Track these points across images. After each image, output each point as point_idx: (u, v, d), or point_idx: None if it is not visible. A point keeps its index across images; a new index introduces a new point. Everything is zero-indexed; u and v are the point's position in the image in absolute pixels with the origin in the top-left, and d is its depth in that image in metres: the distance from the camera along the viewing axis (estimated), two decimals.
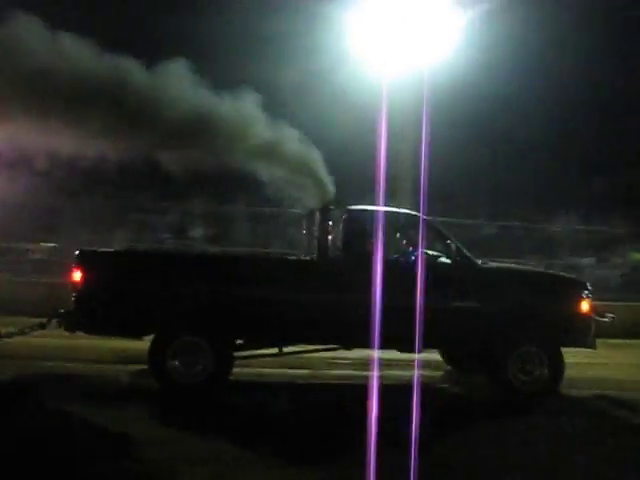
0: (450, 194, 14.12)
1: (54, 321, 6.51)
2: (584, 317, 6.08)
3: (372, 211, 6.24)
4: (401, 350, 6.16)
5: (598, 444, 4.66)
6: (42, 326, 6.61)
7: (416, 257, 6.09)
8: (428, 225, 6.19)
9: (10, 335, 6.55)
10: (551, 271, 7.73)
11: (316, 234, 6.28)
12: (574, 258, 14.47)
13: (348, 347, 6.34)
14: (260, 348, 6.09)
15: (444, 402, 6.02)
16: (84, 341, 6.79)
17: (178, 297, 5.72)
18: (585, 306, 6.12)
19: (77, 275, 5.72)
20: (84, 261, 5.81)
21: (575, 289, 6.28)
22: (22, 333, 6.64)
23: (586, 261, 14.91)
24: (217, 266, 6.23)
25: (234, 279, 5.85)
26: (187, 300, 5.72)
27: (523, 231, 14.54)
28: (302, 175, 6.41)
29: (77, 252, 5.93)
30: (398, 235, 6.49)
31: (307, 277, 6.04)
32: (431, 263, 6.00)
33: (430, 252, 6.21)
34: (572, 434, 4.97)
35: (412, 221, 6.38)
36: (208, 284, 5.78)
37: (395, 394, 4.96)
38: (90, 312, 5.72)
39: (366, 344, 5.83)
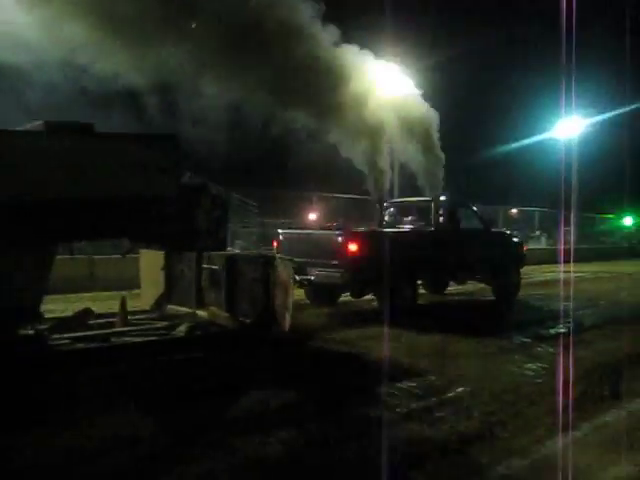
0: None
1: None
2: (525, 253, 12.49)
3: (454, 201, 11.13)
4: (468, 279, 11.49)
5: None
6: None
7: (474, 227, 11.40)
8: (476, 210, 11.53)
9: None
10: (516, 232, 13.92)
11: (432, 215, 10.77)
12: None
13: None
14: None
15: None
16: None
17: (402, 260, 9.49)
18: (525, 248, 12.54)
19: (353, 247, 8.96)
20: (358, 238, 9.06)
21: (522, 241, 12.63)
22: None
23: None
24: (412, 239, 10.18)
25: (419, 246, 10.02)
26: (405, 260, 9.60)
27: None
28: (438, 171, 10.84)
29: (346, 231, 9.11)
30: (466, 215, 11.52)
31: (427, 240, 10.55)
32: (479, 229, 11.38)
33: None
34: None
35: (468, 207, 11.59)
36: (410, 251, 9.80)
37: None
38: (368, 275, 9.11)
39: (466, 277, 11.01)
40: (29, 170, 5.41)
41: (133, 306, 8.21)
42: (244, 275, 7.68)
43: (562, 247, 18.53)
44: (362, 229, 10.59)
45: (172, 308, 8.47)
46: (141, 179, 6.05)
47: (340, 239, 9.09)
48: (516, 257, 12.12)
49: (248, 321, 7.29)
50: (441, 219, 10.79)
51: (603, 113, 28.58)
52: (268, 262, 7.40)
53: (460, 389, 5.64)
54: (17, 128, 5.76)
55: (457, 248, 10.61)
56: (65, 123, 5.82)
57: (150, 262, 8.75)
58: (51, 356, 5.68)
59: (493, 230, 12.11)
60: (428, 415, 4.88)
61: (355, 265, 9.00)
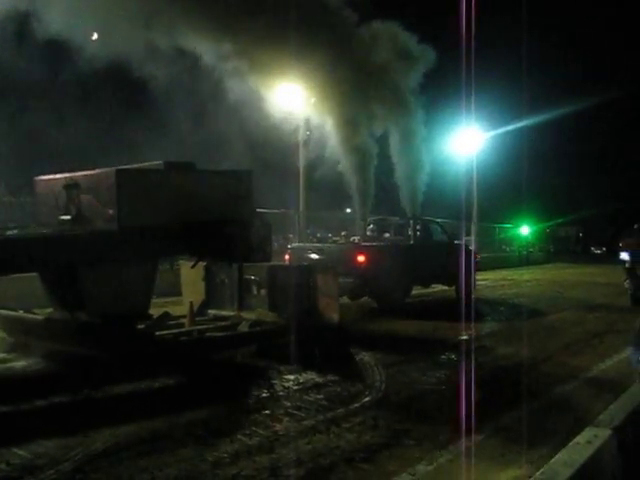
0: None
1: None
2: (479, 260, 14.97)
3: (428, 220, 13.40)
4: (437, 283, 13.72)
5: None
6: None
7: (441, 240, 13.69)
8: (441, 225, 13.85)
9: None
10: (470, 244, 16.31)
11: (410, 231, 12.92)
12: None
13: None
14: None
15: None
16: None
17: (397, 268, 11.57)
18: (477, 256, 15.02)
19: (361, 258, 10.90)
20: (365, 250, 11.00)
21: (476, 251, 15.09)
22: None
23: None
24: (402, 251, 12.25)
25: (406, 257, 12.13)
26: (400, 268, 11.66)
27: None
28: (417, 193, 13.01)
29: (357, 243, 11.00)
30: (436, 231, 13.77)
31: (411, 251, 12.73)
32: (446, 241, 13.71)
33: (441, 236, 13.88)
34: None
35: (436, 223, 13.86)
36: (408, 260, 11.89)
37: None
38: (372, 280, 11.05)
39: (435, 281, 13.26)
40: (153, 200, 6.95)
41: (178, 312, 9.61)
42: (285, 281, 9.41)
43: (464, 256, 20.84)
44: (367, 244, 12.57)
45: (212, 313, 10.00)
46: (229, 206, 7.70)
47: (351, 252, 11.04)
48: (473, 264, 14.53)
49: (291, 318, 8.99)
50: (418, 234, 13.01)
51: (500, 127, 29.61)
52: (308, 270, 9.21)
53: (367, 399, 5.77)
54: (139, 165, 7.28)
55: (431, 258, 12.83)
56: (176, 162, 7.39)
57: (190, 273, 10.24)
58: (171, 347, 7.18)
59: (455, 242, 14.50)
60: (335, 426, 4.95)
61: (362, 273, 10.96)
